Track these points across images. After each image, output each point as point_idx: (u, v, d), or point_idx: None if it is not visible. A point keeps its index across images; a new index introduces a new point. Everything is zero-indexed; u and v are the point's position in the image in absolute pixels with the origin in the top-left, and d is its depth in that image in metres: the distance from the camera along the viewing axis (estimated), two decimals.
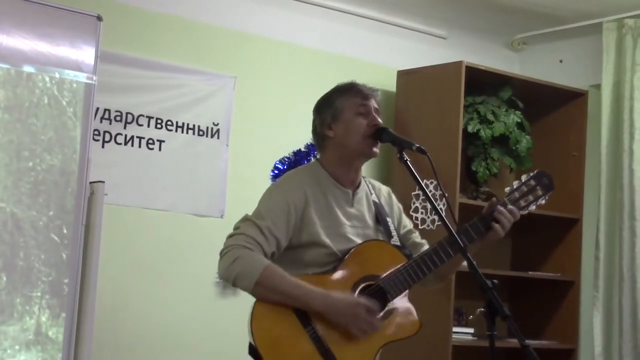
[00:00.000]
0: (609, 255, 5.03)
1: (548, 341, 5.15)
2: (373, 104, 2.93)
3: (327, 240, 2.83)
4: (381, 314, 2.80)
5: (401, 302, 2.86)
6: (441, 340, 4.63)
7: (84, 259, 3.66)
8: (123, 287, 4.26)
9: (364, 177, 3.05)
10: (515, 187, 2.96)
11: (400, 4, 5.12)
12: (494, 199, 2.97)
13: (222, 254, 2.77)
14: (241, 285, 2.72)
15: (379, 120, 2.92)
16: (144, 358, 4.34)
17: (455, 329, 4.75)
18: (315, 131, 2.99)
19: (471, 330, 4.89)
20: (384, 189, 3.11)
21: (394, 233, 2.97)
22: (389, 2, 5.08)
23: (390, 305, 2.82)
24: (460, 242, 2.68)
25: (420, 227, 4.75)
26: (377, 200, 3.02)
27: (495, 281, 2.50)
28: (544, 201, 2.97)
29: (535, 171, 3.00)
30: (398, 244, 2.96)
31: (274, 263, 2.76)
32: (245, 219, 2.82)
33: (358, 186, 2.98)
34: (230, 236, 2.80)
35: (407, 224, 3.13)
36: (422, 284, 3.01)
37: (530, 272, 5.24)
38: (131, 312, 4.30)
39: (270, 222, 2.78)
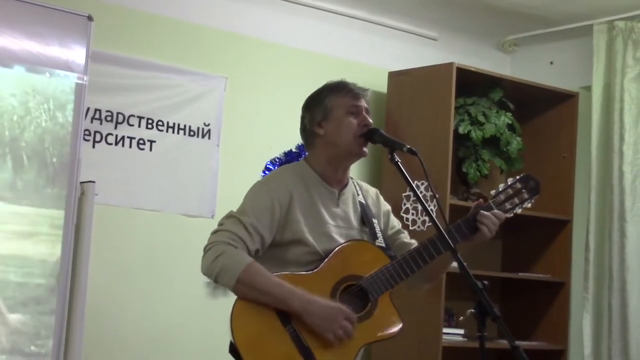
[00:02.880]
0: (599, 257, 5.04)
1: (538, 342, 5.16)
2: (363, 103, 2.94)
3: (310, 239, 2.83)
4: (362, 313, 2.80)
5: (383, 303, 2.84)
6: (431, 341, 4.63)
7: (74, 258, 3.65)
8: (113, 287, 4.25)
9: (352, 178, 3.04)
10: (501, 189, 2.96)
11: (391, 5, 5.12)
12: (480, 200, 2.97)
13: (206, 249, 2.78)
14: (223, 282, 2.73)
15: (370, 120, 2.92)
16: (134, 358, 4.33)
17: (445, 330, 4.76)
18: (304, 129, 2.99)
19: (461, 332, 4.90)
20: (372, 190, 3.11)
21: (379, 234, 2.97)
22: (380, 3, 5.09)
23: (371, 306, 2.82)
24: (440, 244, 2.69)
25: (410, 228, 4.76)
26: (363, 202, 3.02)
27: (486, 282, 2.50)
28: (529, 204, 2.98)
29: (522, 174, 3.00)
30: (383, 245, 2.95)
31: (257, 261, 2.76)
32: (230, 215, 2.83)
33: (345, 186, 2.98)
34: (214, 232, 2.81)
35: (396, 224, 3.12)
36: (410, 287, 3.02)
37: (520, 273, 5.25)
38: (122, 312, 4.30)
39: (254, 219, 2.78)
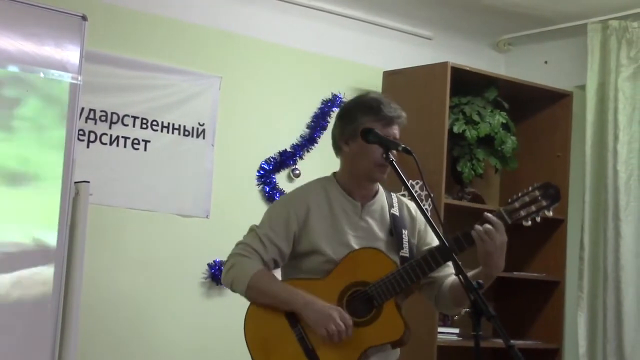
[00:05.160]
0: (594, 256, 5.05)
1: (533, 341, 5.16)
2: (394, 130, 2.93)
3: (326, 248, 2.91)
4: (366, 318, 2.86)
5: (388, 309, 2.87)
6: (426, 341, 4.63)
7: (69, 258, 3.65)
8: (108, 287, 4.25)
9: (391, 193, 3.08)
10: (517, 196, 2.81)
11: (386, 5, 5.12)
12: (485, 214, 2.80)
13: (225, 262, 2.97)
14: (237, 290, 2.92)
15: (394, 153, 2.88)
16: (129, 357, 4.33)
17: (440, 329, 4.76)
18: (333, 137, 3.05)
19: (456, 331, 4.90)
20: (410, 205, 3.11)
21: (405, 245, 2.99)
22: (375, 3, 5.09)
23: (376, 311, 2.86)
24: (449, 247, 2.66)
25: None
26: (397, 213, 3.04)
27: (481, 281, 2.52)
28: (550, 213, 2.82)
29: (542, 182, 2.83)
30: (406, 255, 2.96)
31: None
32: (250, 229, 2.99)
33: (371, 199, 3.02)
34: (235, 245, 2.97)
35: (431, 241, 3.05)
36: (439, 308, 3.07)
37: (515, 273, 5.25)
38: (116, 312, 4.29)
39: (269, 230, 2.93)
